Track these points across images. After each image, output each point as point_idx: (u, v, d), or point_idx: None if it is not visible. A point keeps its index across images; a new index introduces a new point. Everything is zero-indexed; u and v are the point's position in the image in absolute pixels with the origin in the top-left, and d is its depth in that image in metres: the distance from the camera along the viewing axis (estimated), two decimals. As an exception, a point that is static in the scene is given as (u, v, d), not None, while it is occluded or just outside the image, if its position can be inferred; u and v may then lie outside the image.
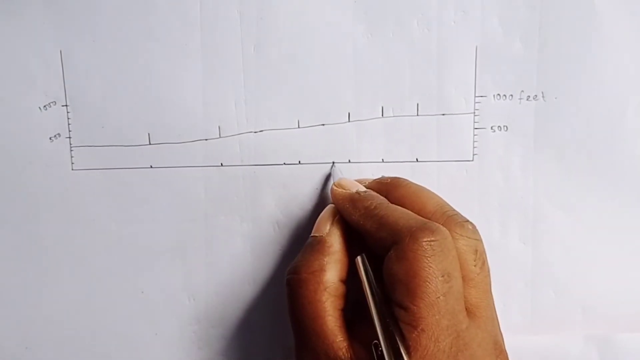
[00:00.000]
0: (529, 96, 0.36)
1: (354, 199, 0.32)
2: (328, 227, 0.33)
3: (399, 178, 0.35)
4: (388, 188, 0.34)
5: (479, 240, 0.32)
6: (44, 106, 0.36)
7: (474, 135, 0.37)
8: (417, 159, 0.37)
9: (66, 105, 0.36)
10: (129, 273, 0.38)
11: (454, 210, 0.32)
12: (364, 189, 0.33)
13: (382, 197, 0.32)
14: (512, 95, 0.36)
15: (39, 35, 0.36)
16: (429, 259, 0.28)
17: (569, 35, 0.35)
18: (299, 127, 0.36)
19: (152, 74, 0.36)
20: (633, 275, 0.38)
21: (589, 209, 0.37)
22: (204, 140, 0.36)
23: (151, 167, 0.37)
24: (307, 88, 0.36)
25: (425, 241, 0.28)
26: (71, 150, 0.37)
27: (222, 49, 0.36)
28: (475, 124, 0.36)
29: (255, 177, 0.37)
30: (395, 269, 0.29)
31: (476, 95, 0.36)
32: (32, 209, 0.37)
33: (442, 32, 0.35)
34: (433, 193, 0.34)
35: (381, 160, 0.37)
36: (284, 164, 0.37)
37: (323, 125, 0.36)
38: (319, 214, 0.34)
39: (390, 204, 0.32)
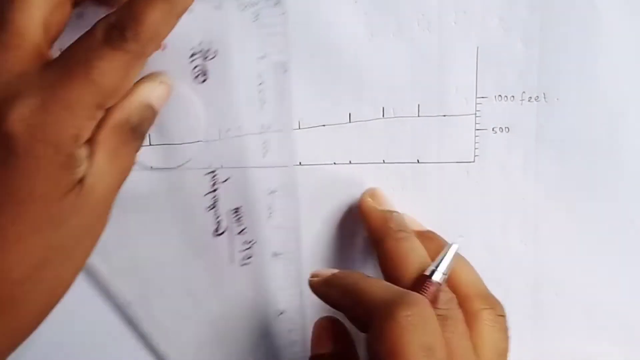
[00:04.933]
0: (530, 97, 0.36)
1: (330, 280, 0.32)
2: None
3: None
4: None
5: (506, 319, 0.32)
6: (45, 107, 0.36)
7: (475, 136, 0.36)
8: (418, 160, 0.37)
9: (67, 106, 0.36)
10: (130, 274, 0.38)
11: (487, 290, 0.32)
12: (337, 271, 0.32)
13: (360, 273, 0.31)
14: (513, 96, 0.36)
15: (39, 36, 0.36)
16: (407, 335, 0.26)
17: (570, 35, 0.35)
18: (299, 128, 0.36)
19: (153, 75, 0.36)
20: (635, 275, 0.38)
21: (590, 210, 0.37)
22: (205, 142, 0.36)
23: (151, 168, 0.36)
24: (308, 89, 0.36)
25: (402, 316, 0.27)
26: (71, 151, 0.37)
27: (222, 49, 0.36)
28: (477, 125, 0.36)
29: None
30: (375, 348, 0.27)
31: (477, 96, 0.36)
32: (32, 210, 0.37)
33: (442, 33, 0.35)
34: (470, 267, 0.33)
35: (382, 162, 0.37)
36: (285, 165, 0.37)
37: (324, 125, 0.36)
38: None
39: (368, 278, 0.31)
